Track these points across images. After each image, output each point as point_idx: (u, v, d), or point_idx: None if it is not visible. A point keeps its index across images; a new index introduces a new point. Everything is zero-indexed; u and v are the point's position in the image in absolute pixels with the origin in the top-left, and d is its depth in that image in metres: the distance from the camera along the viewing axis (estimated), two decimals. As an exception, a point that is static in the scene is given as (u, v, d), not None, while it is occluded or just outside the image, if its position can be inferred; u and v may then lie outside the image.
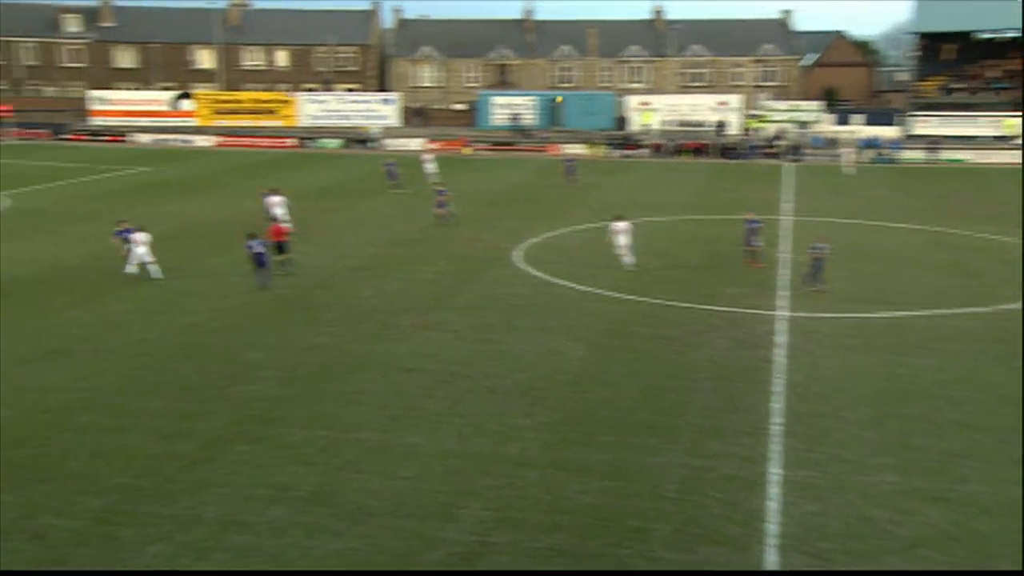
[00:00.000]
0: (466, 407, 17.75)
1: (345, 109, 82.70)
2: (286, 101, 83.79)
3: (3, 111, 78.94)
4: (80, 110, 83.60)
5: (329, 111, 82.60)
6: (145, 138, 78.82)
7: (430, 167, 53.24)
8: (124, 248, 28.48)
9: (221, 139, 77.82)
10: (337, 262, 30.91)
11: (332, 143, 76.62)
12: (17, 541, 12.58)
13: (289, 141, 77.05)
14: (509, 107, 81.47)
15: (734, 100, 79.75)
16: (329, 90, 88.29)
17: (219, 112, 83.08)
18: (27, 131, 78.75)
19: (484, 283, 28.20)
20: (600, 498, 14.04)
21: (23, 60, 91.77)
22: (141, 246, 27.60)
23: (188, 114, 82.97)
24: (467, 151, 69.85)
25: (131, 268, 27.65)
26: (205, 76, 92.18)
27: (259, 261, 26.88)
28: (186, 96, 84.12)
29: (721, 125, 76.72)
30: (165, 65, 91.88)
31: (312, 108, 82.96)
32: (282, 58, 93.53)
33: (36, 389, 18.53)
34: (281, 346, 21.47)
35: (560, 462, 15.25)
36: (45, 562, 12.13)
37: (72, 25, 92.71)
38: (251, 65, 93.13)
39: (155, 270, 27.90)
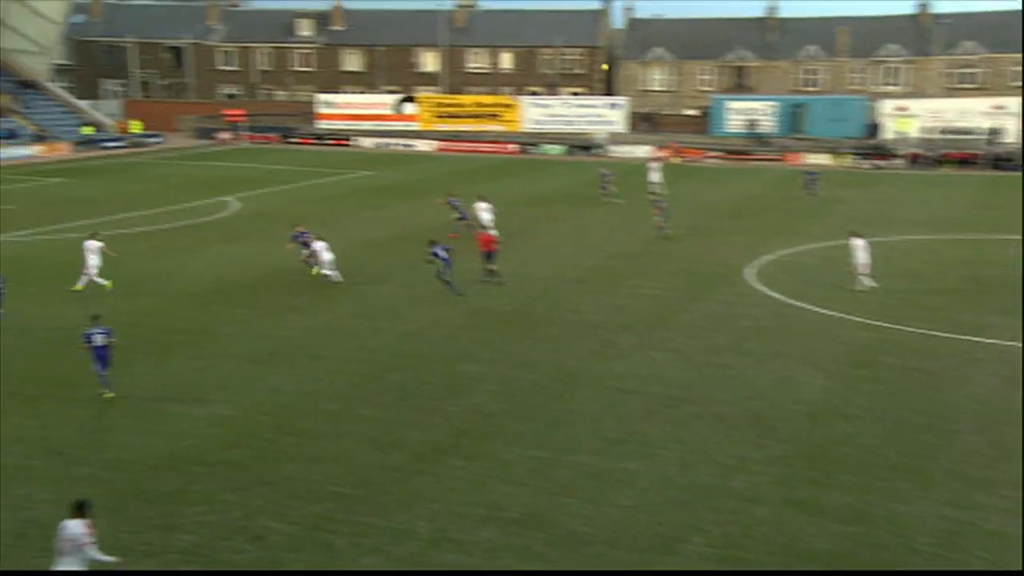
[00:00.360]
0: (690, 434, 17.55)
1: (570, 114, 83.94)
2: (509, 105, 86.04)
3: (238, 115, 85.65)
4: (308, 114, 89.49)
5: (553, 116, 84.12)
6: (368, 142, 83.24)
7: (655, 176, 52.98)
8: (302, 253, 30.55)
9: (441, 144, 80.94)
10: (556, 273, 31.39)
11: (554, 149, 77.95)
12: (239, 541, 13.59)
13: (511, 146, 79.12)
14: (746, 112, 79.98)
15: (1013, 104, 74.30)
16: (554, 94, 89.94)
17: (440, 116, 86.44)
18: (258, 135, 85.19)
19: (712, 302, 27.79)
20: (838, 544, 13.50)
21: (259, 65, 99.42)
22: (326, 252, 29.28)
23: (410, 118, 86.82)
24: (676, 161, 68.73)
25: (332, 272, 29.25)
26: (428, 79, 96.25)
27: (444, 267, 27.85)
28: (409, 100, 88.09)
29: (994, 132, 71.74)
30: (389, 68, 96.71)
31: (535, 112, 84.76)
32: (506, 60, 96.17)
33: (257, 391, 19.98)
34: (497, 359, 22.06)
35: (793, 500, 14.79)
36: (263, 564, 13.03)
37: (305, 29, 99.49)
38: (475, 67, 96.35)
39: (335, 276, 29.34)
